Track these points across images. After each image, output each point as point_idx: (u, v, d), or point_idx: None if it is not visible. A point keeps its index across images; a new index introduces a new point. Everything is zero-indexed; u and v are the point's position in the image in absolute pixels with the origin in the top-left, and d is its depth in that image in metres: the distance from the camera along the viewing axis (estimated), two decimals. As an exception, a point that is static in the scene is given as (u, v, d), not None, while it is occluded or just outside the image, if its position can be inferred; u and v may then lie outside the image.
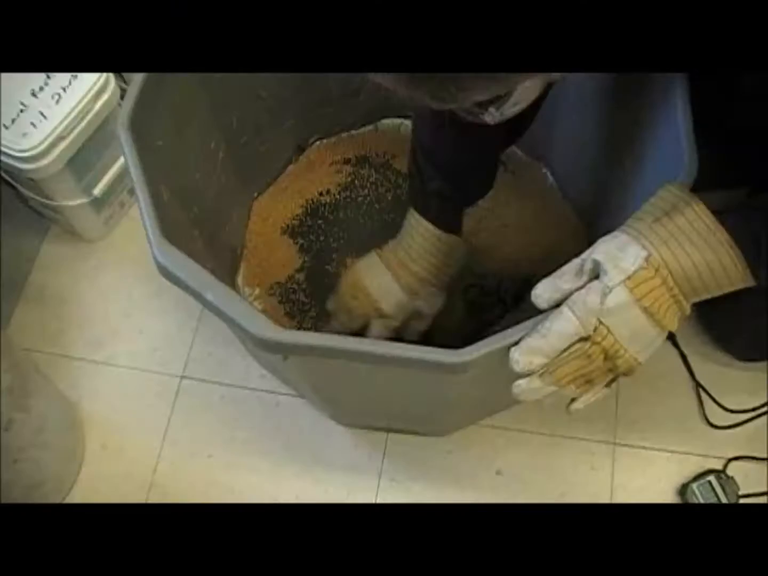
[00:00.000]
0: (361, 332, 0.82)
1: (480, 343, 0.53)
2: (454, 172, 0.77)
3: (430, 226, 0.79)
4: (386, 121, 1.02)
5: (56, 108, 0.87)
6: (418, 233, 0.79)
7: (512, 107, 0.54)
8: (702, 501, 0.85)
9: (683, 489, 0.88)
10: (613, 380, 0.56)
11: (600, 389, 0.56)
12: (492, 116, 0.54)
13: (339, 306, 0.86)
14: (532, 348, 0.52)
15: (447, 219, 0.80)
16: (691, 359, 0.94)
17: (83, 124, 0.88)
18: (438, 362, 0.53)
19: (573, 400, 0.56)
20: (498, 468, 0.91)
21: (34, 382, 0.85)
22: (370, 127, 1.03)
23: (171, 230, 0.60)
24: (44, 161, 0.87)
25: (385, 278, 0.80)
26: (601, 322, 0.51)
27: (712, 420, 0.92)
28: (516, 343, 0.53)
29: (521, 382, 0.53)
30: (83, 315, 1.02)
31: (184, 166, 0.75)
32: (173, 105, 0.71)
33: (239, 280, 0.94)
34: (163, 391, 0.97)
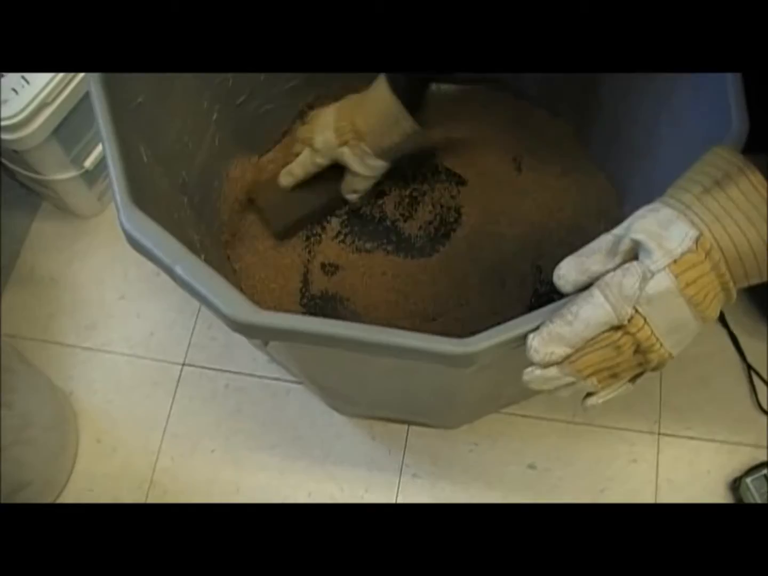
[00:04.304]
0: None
1: (490, 331, 0.47)
2: None
3: (388, 92, 0.77)
4: None
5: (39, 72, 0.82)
6: (375, 93, 0.78)
7: None
8: (757, 497, 0.81)
9: (736, 483, 0.83)
10: (639, 375, 0.50)
11: (623, 384, 0.50)
12: None
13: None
14: (554, 335, 0.46)
15: (409, 93, 0.78)
16: (741, 339, 0.90)
17: (69, 89, 0.85)
18: (439, 353, 0.47)
19: (590, 394, 0.50)
20: (530, 462, 0.87)
21: (18, 374, 0.81)
22: None
23: (150, 196, 0.55)
24: (27, 130, 0.83)
25: (329, 116, 0.81)
26: (637, 311, 0.45)
27: (765, 406, 0.87)
28: (535, 329, 0.47)
29: (535, 367, 0.47)
30: (76, 298, 0.98)
31: (170, 126, 0.69)
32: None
33: (229, 252, 0.86)
34: (163, 380, 0.93)
